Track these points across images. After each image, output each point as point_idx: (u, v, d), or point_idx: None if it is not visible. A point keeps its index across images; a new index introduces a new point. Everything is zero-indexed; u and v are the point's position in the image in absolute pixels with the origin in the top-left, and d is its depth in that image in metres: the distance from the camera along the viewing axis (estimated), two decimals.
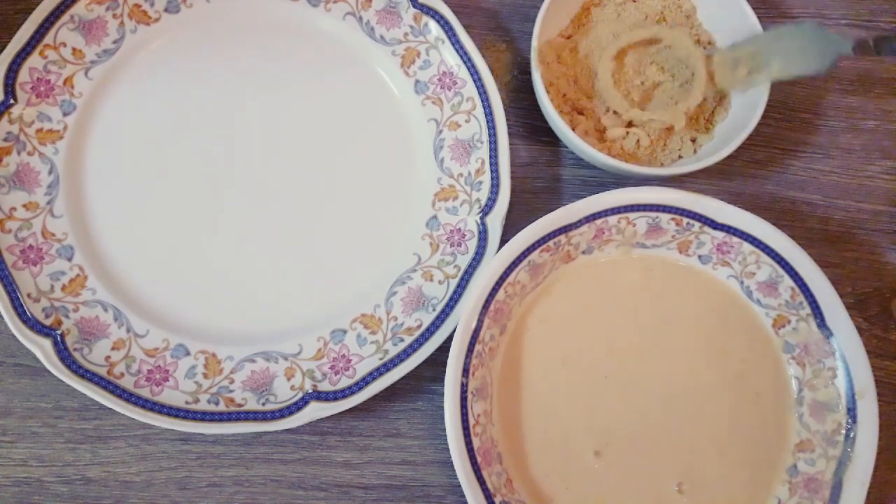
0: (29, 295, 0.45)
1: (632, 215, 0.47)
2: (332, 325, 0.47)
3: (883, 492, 0.48)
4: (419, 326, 0.47)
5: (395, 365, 0.46)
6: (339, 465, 0.47)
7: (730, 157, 0.48)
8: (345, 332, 0.47)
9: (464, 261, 0.48)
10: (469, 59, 0.51)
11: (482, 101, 0.50)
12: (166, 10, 0.51)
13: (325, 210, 0.50)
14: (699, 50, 0.51)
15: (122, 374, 0.45)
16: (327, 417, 0.45)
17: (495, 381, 0.46)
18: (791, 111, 0.56)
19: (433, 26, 0.52)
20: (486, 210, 0.49)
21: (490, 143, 0.50)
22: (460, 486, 0.42)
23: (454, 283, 0.48)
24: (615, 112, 0.51)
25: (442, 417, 0.43)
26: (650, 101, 0.51)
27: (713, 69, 0.50)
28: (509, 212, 0.49)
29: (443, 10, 0.51)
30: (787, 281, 0.47)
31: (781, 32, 0.49)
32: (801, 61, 0.48)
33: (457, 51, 0.51)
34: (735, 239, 0.48)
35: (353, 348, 0.47)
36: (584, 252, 0.49)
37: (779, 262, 0.47)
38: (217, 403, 0.45)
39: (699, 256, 0.49)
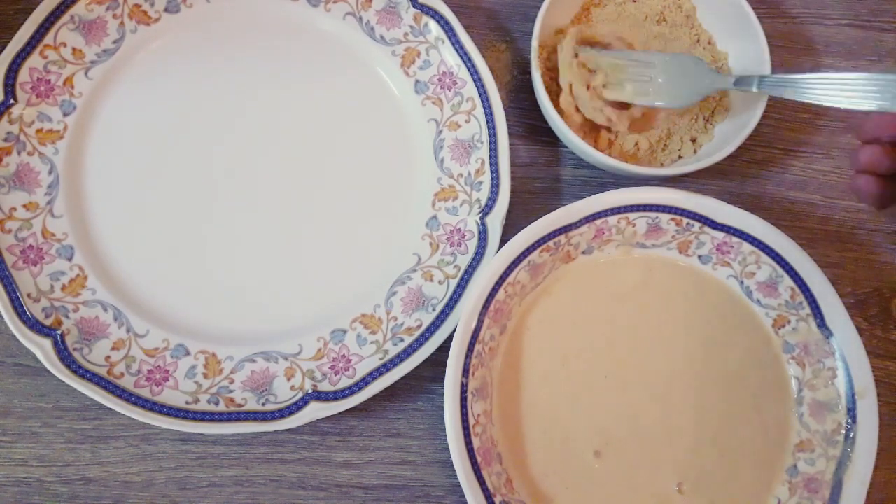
0: (29, 295, 0.45)
1: (632, 215, 0.47)
2: (332, 325, 0.47)
3: (883, 492, 0.48)
4: (419, 326, 0.47)
5: (395, 365, 0.46)
6: (339, 465, 0.47)
7: (730, 157, 0.48)
8: (345, 332, 0.47)
9: (464, 261, 0.48)
10: (469, 59, 0.51)
11: (482, 101, 0.50)
12: (166, 10, 0.51)
13: (325, 210, 0.50)
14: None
15: (122, 374, 0.45)
16: (327, 417, 0.45)
17: (495, 381, 0.46)
18: (791, 111, 0.56)
19: (433, 26, 0.52)
20: (486, 210, 0.49)
21: (490, 143, 0.50)
22: (460, 486, 0.42)
23: (454, 283, 0.48)
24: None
25: (442, 417, 0.43)
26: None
27: (576, 68, 0.49)
28: (509, 212, 0.49)
29: (443, 10, 0.51)
30: (787, 281, 0.47)
31: (656, 59, 0.49)
32: (657, 93, 0.48)
33: (457, 51, 0.51)
34: (735, 239, 0.48)
35: (353, 348, 0.47)
36: (584, 252, 0.49)
37: (779, 262, 0.47)
38: (217, 403, 0.45)
39: (699, 256, 0.49)
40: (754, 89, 0.47)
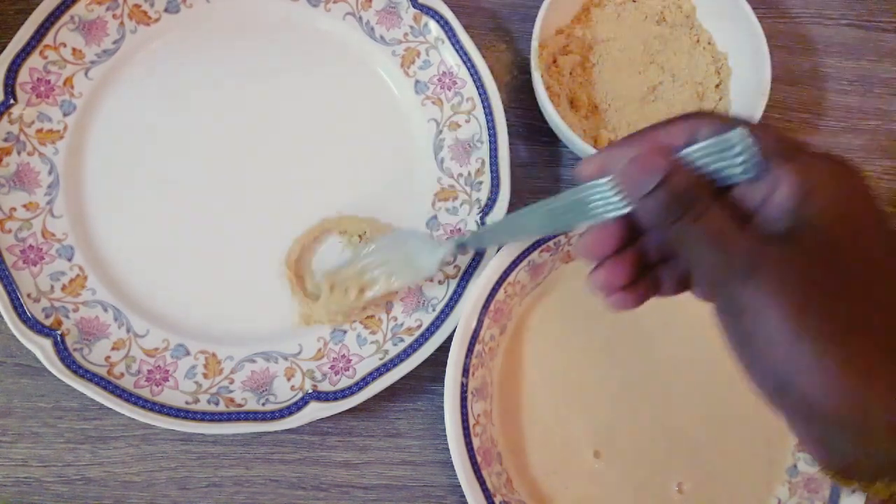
0: (29, 295, 0.45)
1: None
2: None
3: None
4: (419, 326, 0.47)
5: (395, 365, 0.46)
6: (339, 465, 0.47)
7: None
8: (345, 332, 0.47)
9: (464, 261, 0.48)
10: (469, 59, 0.51)
11: (482, 101, 0.50)
12: (166, 10, 0.51)
13: (325, 210, 0.50)
14: None
15: (122, 374, 0.45)
16: (327, 417, 0.45)
17: (495, 381, 0.46)
18: (791, 111, 0.56)
19: (433, 26, 0.52)
20: (486, 210, 0.49)
21: (490, 143, 0.50)
22: (460, 486, 0.42)
23: (454, 283, 0.48)
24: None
25: (442, 417, 0.43)
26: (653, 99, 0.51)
27: (321, 304, 0.47)
28: (509, 212, 0.49)
29: (443, 10, 0.51)
30: None
31: (381, 244, 0.47)
32: (409, 270, 0.46)
33: (457, 51, 0.51)
34: None
35: (353, 348, 0.47)
36: None
37: None
38: (217, 403, 0.45)
39: None
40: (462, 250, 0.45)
